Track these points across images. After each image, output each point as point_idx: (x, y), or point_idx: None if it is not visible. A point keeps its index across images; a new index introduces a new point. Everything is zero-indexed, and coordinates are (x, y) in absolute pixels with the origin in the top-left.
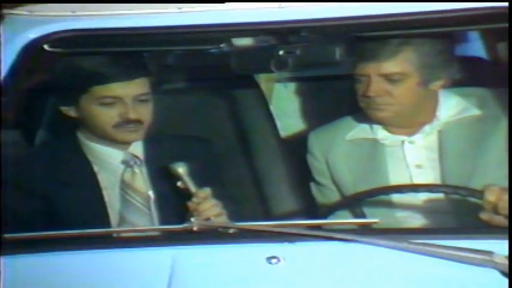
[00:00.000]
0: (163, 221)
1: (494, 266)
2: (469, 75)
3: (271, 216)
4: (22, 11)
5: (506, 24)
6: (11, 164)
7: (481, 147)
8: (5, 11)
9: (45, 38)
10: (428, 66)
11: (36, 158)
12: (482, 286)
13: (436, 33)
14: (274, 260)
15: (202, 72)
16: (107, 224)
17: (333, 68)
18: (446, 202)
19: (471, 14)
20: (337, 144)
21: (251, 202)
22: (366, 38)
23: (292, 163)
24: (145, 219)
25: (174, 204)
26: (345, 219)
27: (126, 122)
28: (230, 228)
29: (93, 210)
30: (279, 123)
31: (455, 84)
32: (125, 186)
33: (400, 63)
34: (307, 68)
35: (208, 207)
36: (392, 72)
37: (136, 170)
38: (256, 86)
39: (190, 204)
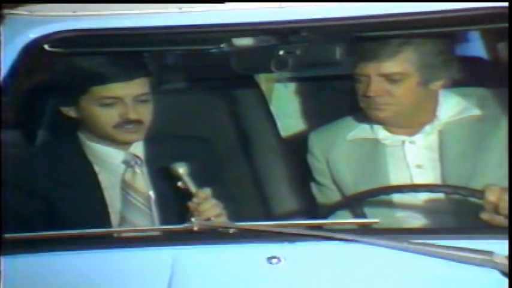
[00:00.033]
0: (163, 221)
1: (495, 266)
2: (469, 75)
3: (271, 216)
4: (22, 11)
5: (506, 24)
6: (12, 164)
7: (481, 147)
8: (6, 11)
9: (45, 38)
10: (428, 66)
11: (37, 158)
12: (482, 286)
13: (436, 33)
14: (274, 260)
15: (203, 72)
16: (108, 224)
17: (333, 68)
18: (446, 202)
19: (471, 14)
20: (337, 144)
21: (251, 202)
22: (366, 38)
23: (293, 163)
24: (146, 219)
25: (174, 204)
26: (345, 219)
27: (126, 122)
28: (230, 228)
29: (94, 210)
30: (279, 123)
31: (456, 84)
32: (126, 186)
33: (400, 63)
34: (308, 68)
35: (208, 208)
36: (393, 72)
37: (137, 170)
38: (257, 86)
39: (190, 204)
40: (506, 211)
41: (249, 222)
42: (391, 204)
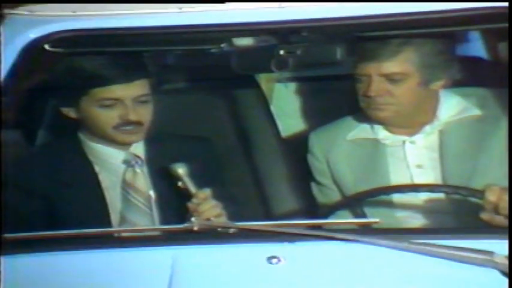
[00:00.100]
0: (164, 221)
1: (495, 265)
2: (469, 75)
3: (271, 216)
4: (23, 10)
5: (506, 24)
6: (12, 164)
7: (481, 147)
8: (6, 11)
9: (45, 38)
10: (429, 66)
11: (37, 158)
12: (482, 286)
13: (436, 33)
14: (274, 260)
15: (203, 72)
16: (108, 223)
17: (334, 68)
18: (446, 202)
19: (471, 14)
20: (337, 144)
21: (252, 202)
22: (366, 38)
23: (293, 163)
24: (146, 219)
25: (175, 204)
26: (345, 219)
27: (126, 124)
28: (230, 228)
29: (94, 210)
30: (279, 123)
31: (456, 84)
32: (126, 186)
33: (400, 63)
34: (308, 68)
35: (208, 208)
36: (393, 72)
37: (138, 170)
38: (257, 86)
39: (190, 205)
40: (506, 211)
41: (249, 222)
42: (391, 204)
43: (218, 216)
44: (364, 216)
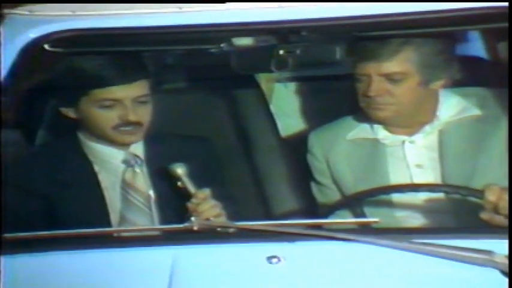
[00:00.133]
0: (164, 221)
1: (494, 265)
2: (469, 75)
3: (271, 216)
4: (22, 10)
5: (506, 24)
6: (12, 164)
7: (481, 147)
8: (6, 10)
9: (45, 38)
10: (428, 66)
11: (37, 158)
12: (482, 285)
13: (436, 33)
14: (274, 260)
15: (203, 72)
16: (108, 223)
17: (334, 68)
18: (446, 202)
19: (471, 14)
20: (337, 144)
21: (251, 202)
22: (366, 37)
23: (293, 163)
24: (146, 218)
25: (174, 203)
26: (345, 218)
27: (125, 124)
28: (230, 227)
29: (94, 210)
30: (279, 123)
31: (456, 84)
32: (126, 186)
33: (400, 63)
34: (308, 67)
35: (207, 208)
36: (393, 72)
37: (137, 170)
38: (257, 85)
39: (189, 205)
40: (506, 211)
41: (248, 221)
42: (391, 204)
43: (218, 216)
44: (363, 216)
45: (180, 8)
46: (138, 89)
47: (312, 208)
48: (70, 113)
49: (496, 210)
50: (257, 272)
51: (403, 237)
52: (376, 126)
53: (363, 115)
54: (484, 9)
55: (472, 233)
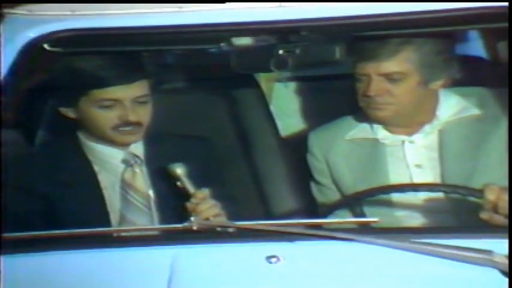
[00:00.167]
0: (163, 221)
1: (494, 265)
2: (469, 74)
3: (271, 215)
4: (22, 10)
5: (506, 24)
6: (11, 164)
7: (481, 147)
8: (5, 10)
9: (45, 38)
10: (428, 65)
11: (37, 158)
12: (481, 285)
13: (436, 32)
14: (273, 259)
15: (203, 71)
16: (107, 223)
17: (333, 68)
18: (446, 201)
19: (471, 14)
20: (337, 144)
21: (251, 201)
22: (366, 37)
23: (292, 163)
24: (145, 218)
25: (174, 203)
26: (344, 218)
27: (125, 124)
28: (230, 227)
29: (94, 209)
30: (279, 123)
31: (456, 84)
32: (125, 186)
33: (400, 62)
34: (307, 67)
35: (206, 208)
36: (393, 72)
37: (137, 170)
38: (256, 85)
39: (188, 205)
40: (505, 210)
41: (248, 221)
42: (390, 204)
43: (217, 215)
44: (363, 215)
45: (180, 7)
46: (137, 89)
47: (312, 208)
48: (69, 113)
49: (495, 209)
50: (256, 271)
51: (403, 237)
52: (375, 126)
53: (363, 115)
54: (483, 9)
55: (472, 233)
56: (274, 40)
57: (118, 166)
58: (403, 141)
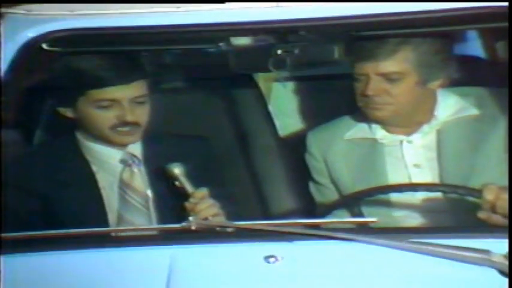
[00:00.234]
0: (161, 220)
1: (492, 265)
2: (467, 74)
3: (269, 215)
4: (20, 10)
5: (505, 24)
6: (10, 163)
7: (479, 147)
8: (4, 10)
9: (43, 37)
10: (426, 65)
11: (35, 158)
12: (480, 285)
13: (434, 32)
14: (272, 259)
15: (201, 71)
16: (106, 223)
17: (332, 67)
18: (444, 201)
19: (470, 14)
20: (335, 144)
21: (249, 201)
22: (364, 37)
23: (291, 162)
24: (143, 218)
25: (172, 203)
26: (343, 218)
27: (123, 124)
28: (228, 227)
29: (92, 209)
30: (277, 123)
31: (454, 84)
32: (124, 186)
33: (398, 62)
34: (306, 67)
35: (205, 207)
36: (391, 72)
37: (135, 170)
38: (255, 85)
39: (187, 204)
40: (504, 210)
41: (246, 221)
42: (389, 204)
43: (215, 215)
44: (361, 215)
45: (178, 7)
46: (135, 89)
47: (310, 208)
48: (68, 112)
49: (493, 209)
50: (255, 271)
51: (401, 236)
52: (374, 125)
53: (361, 115)
54: (482, 8)
55: (470, 233)
56: (272, 40)
57: (116, 166)
58: (401, 141)
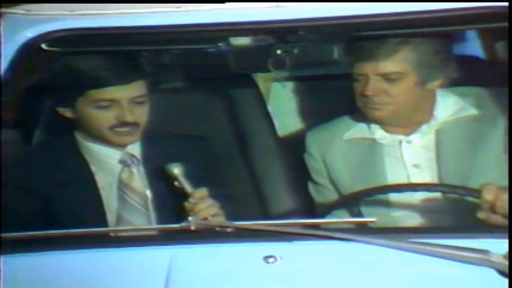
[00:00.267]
0: (160, 221)
1: (491, 265)
2: (466, 74)
3: (268, 215)
4: (20, 10)
5: (505, 24)
6: (9, 163)
7: (478, 147)
8: (3, 10)
9: (43, 37)
10: (426, 65)
11: (34, 158)
12: (479, 285)
13: (434, 32)
14: (271, 259)
15: (200, 71)
16: (105, 223)
17: (331, 67)
18: (443, 201)
19: (470, 14)
20: (334, 144)
21: (249, 201)
22: (363, 37)
23: (290, 162)
24: (143, 218)
25: (171, 203)
26: (342, 218)
27: (122, 124)
28: (227, 227)
29: (91, 210)
30: (276, 123)
31: (453, 84)
32: (123, 186)
33: (398, 62)
34: (305, 67)
35: (204, 207)
36: (390, 72)
37: (134, 170)
38: (254, 85)
39: (186, 204)
40: (503, 210)
41: (246, 221)
42: (388, 204)
43: (215, 215)
44: (361, 215)
45: (178, 7)
46: (135, 89)
47: (309, 208)
48: (67, 113)
49: (493, 209)
50: (254, 271)
51: (401, 236)
52: (373, 126)
53: (360, 115)
54: (482, 8)
55: (469, 233)
56: (272, 40)
57: (115, 166)
58: (400, 141)
